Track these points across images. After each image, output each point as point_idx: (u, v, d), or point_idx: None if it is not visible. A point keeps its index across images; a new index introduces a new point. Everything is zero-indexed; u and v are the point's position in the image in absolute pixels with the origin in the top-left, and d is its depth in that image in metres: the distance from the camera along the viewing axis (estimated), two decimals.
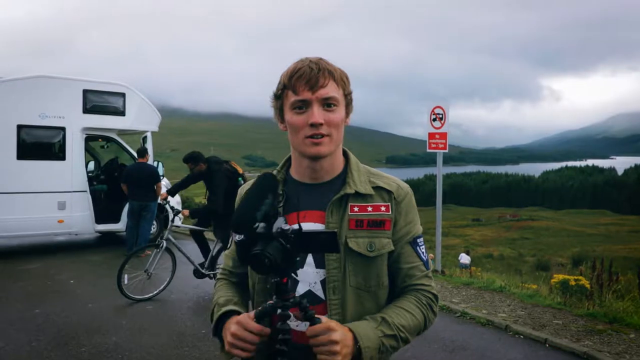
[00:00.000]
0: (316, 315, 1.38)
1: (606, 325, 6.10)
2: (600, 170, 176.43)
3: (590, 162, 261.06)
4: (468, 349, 5.50)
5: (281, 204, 1.39)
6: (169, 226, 7.63)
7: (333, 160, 1.59)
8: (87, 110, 10.74)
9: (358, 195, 1.57)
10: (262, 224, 1.30)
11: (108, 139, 11.66)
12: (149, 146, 11.01)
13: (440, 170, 9.57)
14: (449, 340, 5.72)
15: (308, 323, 1.38)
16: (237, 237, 1.31)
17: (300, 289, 1.53)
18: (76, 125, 10.58)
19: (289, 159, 1.67)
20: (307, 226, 1.53)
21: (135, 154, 11.55)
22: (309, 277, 1.54)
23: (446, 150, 9.23)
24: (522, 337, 5.85)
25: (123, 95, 11.27)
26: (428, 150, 9.44)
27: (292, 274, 1.43)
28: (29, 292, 7.50)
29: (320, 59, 1.53)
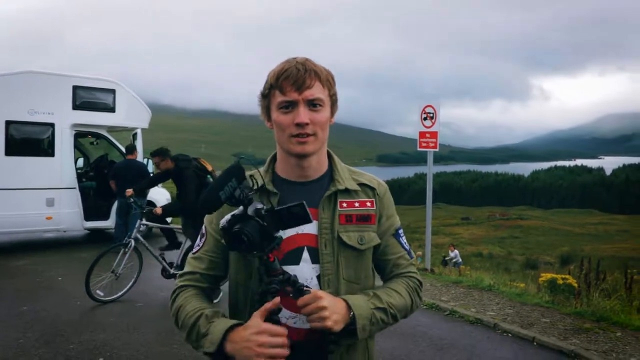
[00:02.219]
0: (305, 287, 1.45)
1: (593, 323, 6.15)
2: (589, 170, 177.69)
3: (579, 161, 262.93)
4: (457, 347, 5.53)
5: (252, 192, 1.42)
6: (137, 225, 7.26)
7: (319, 159, 1.64)
8: (76, 106, 10.67)
9: (346, 192, 1.64)
10: (240, 208, 1.41)
11: (98, 136, 11.60)
12: (139, 143, 10.97)
13: (430, 169, 9.61)
14: (438, 338, 5.74)
15: (304, 319, 1.46)
16: (221, 223, 1.40)
17: None
18: (65, 121, 10.51)
19: (274, 157, 1.70)
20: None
21: (124, 151, 11.51)
22: (305, 273, 1.57)
23: (437, 149, 9.26)
24: (510, 335, 5.89)
25: (113, 91, 11.21)
26: (419, 149, 9.47)
27: (290, 272, 1.49)
28: (17, 289, 7.45)
29: (307, 59, 1.57)
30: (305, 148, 1.53)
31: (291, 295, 1.46)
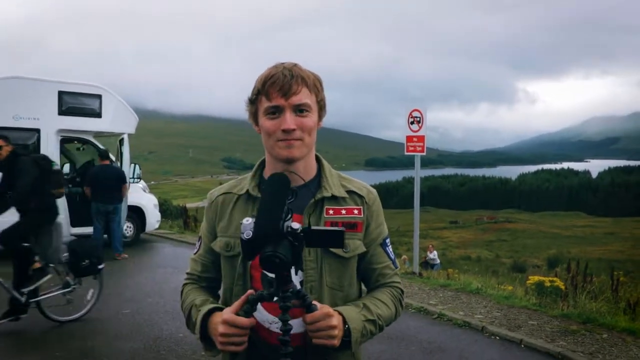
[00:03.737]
0: (313, 303, 1.42)
1: (580, 325, 6.20)
2: (575, 173, 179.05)
3: (565, 164, 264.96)
4: (445, 350, 5.55)
5: (291, 201, 1.39)
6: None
7: (306, 164, 1.63)
8: (62, 112, 10.58)
9: (332, 199, 1.63)
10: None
11: (84, 141, 11.51)
12: (126, 148, 10.91)
13: (418, 173, 9.64)
14: (427, 342, 5.76)
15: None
16: (245, 236, 1.32)
17: None
18: (51, 127, 10.42)
19: (263, 162, 1.70)
20: None
21: (112, 157, 11.44)
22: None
23: (424, 153, 9.30)
24: (498, 338, 5.91)
25: (99, 96, 11.13)
26: (406, 153, 9.50)
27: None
28: (3, 297, 7.35)
29: (295, 65, 1.57)
30: (292, 152, 1.54)
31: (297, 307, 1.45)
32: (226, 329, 1.43)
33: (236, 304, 1.45)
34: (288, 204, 1.34)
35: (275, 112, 1.52)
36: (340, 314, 1.49)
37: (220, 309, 1.54)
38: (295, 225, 1.32)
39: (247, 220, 1.33)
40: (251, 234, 1.31)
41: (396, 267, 1.76)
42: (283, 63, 1.57)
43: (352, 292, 1.67)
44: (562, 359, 5.24)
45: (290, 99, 1.50)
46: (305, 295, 1.40)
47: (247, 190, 1.64)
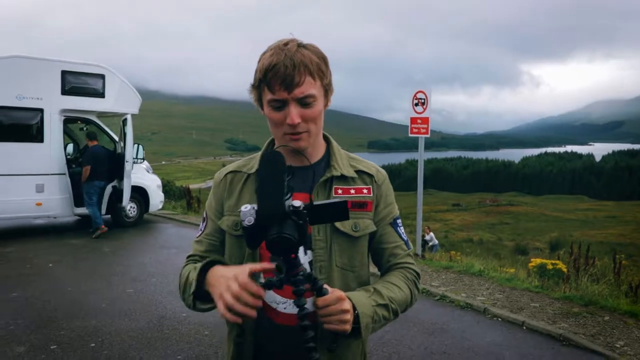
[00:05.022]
0: (324, 286, 1.39)
1: (582, 307, 6.22)
2: (579, 156, 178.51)
3: (569, 148, 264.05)
4: (447, 332, 5.57)
5: (289, 179, 1.34)
6: None
7: (314, 145, 1.61)
8: (65, 91, 10.55)
9: (341, 178, 1.62)
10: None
11: (87, 121, 11.50)
12: (129, 129, 10.88)
13: (421, 155, 9.61)
14: (429, 323, 5.79)
15: (296, 308, 1.36)
16: (247, 222, 1.27)
17: None
18: (54, 106, 10.41)
19: (272, 141, 1.68)
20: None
21: (115, 137, 11.43)
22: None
23: (428, 135, 9.26)
24: (500, 319, 5.94)
25: (102, 76, 11.10)
26: (410, 135, 9.46)
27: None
28: (7, 276, 7.41)
29: (298, 48, 1.48)
30: (299, 144, 1.53)
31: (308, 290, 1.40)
32: (239, 291, 1.31)
33: (251, 267, 1.37)
34: (287, 182, 1.29)
35: (279, 104, 1.48)
36: (349, 299, 1.44)
37: (223, 264, 1.49)
38: (297, 202, 1.28)
39: (246, 207, 1.28)
40: (252, 219, 1.26)
41: (409, 248, 1.72)
42: (286, 45, 1.49)
43: (363, 273, 1.65)
44: (563, 341, 5.27)
45: (293, 92, 1.45)
46: (316, 278, 1.38)
47: (257, 170, 1.61)
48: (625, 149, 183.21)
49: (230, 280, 1.35)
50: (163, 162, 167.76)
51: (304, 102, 1.48)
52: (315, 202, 1.32)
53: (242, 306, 1.32)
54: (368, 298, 1.51)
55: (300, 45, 1.50)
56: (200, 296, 1.48)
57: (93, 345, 4.95)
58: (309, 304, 1.40)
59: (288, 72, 1.44)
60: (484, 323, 5.87)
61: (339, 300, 1.38)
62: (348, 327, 1.40)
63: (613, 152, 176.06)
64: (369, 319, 1.48)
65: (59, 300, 6.30)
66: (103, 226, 10.43)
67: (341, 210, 1.34)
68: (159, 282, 7.20)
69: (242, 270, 1.36)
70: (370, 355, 4.53)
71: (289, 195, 1.28)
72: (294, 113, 1.47)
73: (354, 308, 1.44)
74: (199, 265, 1.51)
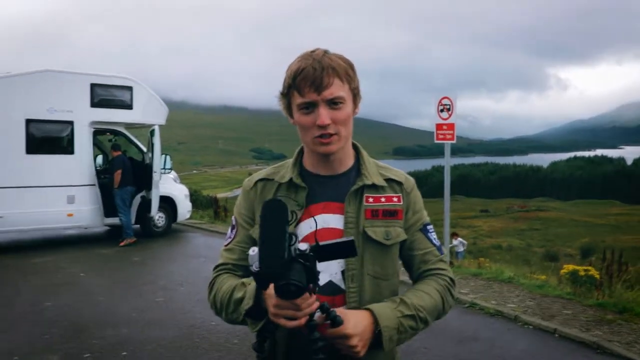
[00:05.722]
0: (337, 314, 1.40)
1: (616, 315, 6.09)
2: (610, 160, 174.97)
3: (599, 152, 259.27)
4: (477, 340, 5.51)
5: (292, 222, 1.34)
6: None
7: (344, 153, 1.62)
8: (94, 104, 10.78)
9: (372, 187, 1.62)
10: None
11: (116, 133, 11.71)
12: (157, 139, 11.04)
13: (448, 162, 9.53)
14: (458, 331, 5.72)
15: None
16: (255, 267, 1.27)
17: (322, 280, 1.52)
18: (84, 119, 10.63)
19: (301, 150, 1.69)
20: (328, 217, 1.57)
21: (143, 148, 11.60)
22: (331, 268, 1.56)
23: (454, 141, 9.19)
24: (531, 327, 5.84)
25: (130, 88, 11.30)
26: (435, 142, 9.40)
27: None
28: (40, 286, 7.56)
29: (325, 53, 1.53)
30: (329, 148, 1.53)
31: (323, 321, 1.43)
32: (279, 301, 1.32)
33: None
34: (289, 228, 1.28)
35: (309, 107, 1.50)
36: (370, 313, 1.47)
37: None
38: (303, 246, 1.29)
39: (253, 251, 1.29)
40: (259, 265, 1.27)
41: (441, 254, 1.70)
42: (313, 52, 1.53)
43: (396, 281, 1.65)
44: (597, 349, 5.16)
45: (323, 93, 1.47)
46: (329, 309, 1.39)
47: (291, 179, 1.62)
48: None
49: (270, 300, 1.36)
50: (194, 171, 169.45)
51: (334, 103, 1.50)
52: (322, 243, 1.33)
53: (282, 319, 1.34)
54: (394, 310, 1.51)
55: (327, 52, 1.54)
56: (253, 314, 1.46)
57: (125, 354, 5.01)
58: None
59: (317, 75, 1.47)
60: (514, 331, 5.78)
61: (346, 338, 1.41)
62: (361, 354, 1.43)
63: None
64: (394, 331, 1.48)
65: (90, 310, 6.40)
66: (133, 238, 10.59)
67: (349, 248, 1.37)
68: (187, 290, 7.26)
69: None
70: None
71: (293, 240, 1.28)
72: (324, 114, 1.48)
73: (377, 324, 1.46)
74: (248, 281, 1.49)
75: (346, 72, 1.53)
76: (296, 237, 1.31)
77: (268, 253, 1.23)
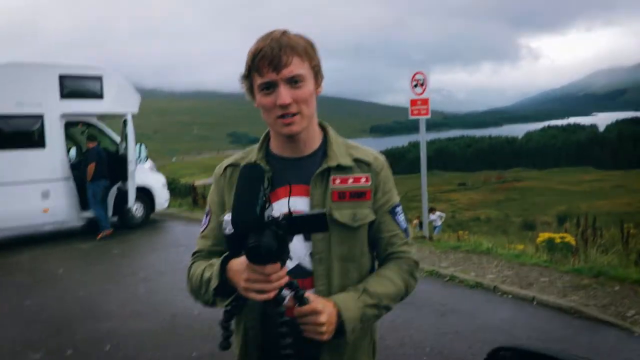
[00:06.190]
0: (305, 295, 1.40)
1: (591, 279, 6.23)
2: (582, 127, 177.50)
3: (572, 120, 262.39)
4: (458, 312, 5.60)
5: (268, 191, 1.34)
6: None
7: (309, 134, 1.61)
8: (64, 95, 10.55)
9: (339, 168, 1.60)
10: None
11: (88, 124, 11.52)
12: (130, 129, 10.89)
13: (423, 137, 9.59)
14: (439, 304, 5.81)
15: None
16: (228, 231, 1.30)
17: (290, 264, 1.52)
18: (54, 111, 10.42)
19: (268, 134, 1.68)
20: (293, 200, 1.53)
21: (117, 138, 11.44)
22: (298, 251, 1.56)
23: (429, 116, 9.24)
24: (510, 296, 5.96)
25: (100, 78, 11.09)
26: (410, 117, 9.44)
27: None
28: (18, 284, 7.47)
29: (283, 33, 1.52)
30: (292, 129, 1.52)
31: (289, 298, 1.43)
32: (250, 274, 1.31)
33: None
34: (264, 193, 1.28)
35: (269, 87, 1.49)
36: (335, 305, 1.46)
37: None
38: (276, 214, 1.31)
39: (228, 216, 1.30)
40: (232, 229, 1.29)
41: (407, 236, 1.70)
42: (271, 33, 1.52)
43: (364, 262, 1.65)
44: (574, 313, 5.28)
45: (282, 72, 1.46)
46: (298, 287, 1.39)
47: (254, 162, 1.60)
48: (629, 117, 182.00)
49: (238, 273, 1.36)
50: (173, 159, 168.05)
51: (294, 82, 1.48)
52: (295, 214, 1.34)
53: (253, 293, 1.33)
54: (356, 300, 1.52)
55: (286, 32, 1.53)
56: (221, 292, 1.47)
57: (108, 347, 4.99)
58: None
59: (275, 54, 1.46)
60: (494, 301, 5.90)
61: (314, 313, 1.41)
62: (325, 337, 1.42)
63: (617, 121, 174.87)
64: (356, 322, 1.50)
65: (71, 305, 6.35)
66: (107, 231, 10.48)
67: (320, 222, 1.37)
68: (169, 280, 7.24)
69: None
70: (383, 340, 4.55)
71: (267, 205, 1.29)
72: (284, 93, 1.47)
73: (340, 315, 1.46)
74: (216, 261, 1.49)
75: (305, 50, 1.52)
76: (270, 203, 1.31)
77: (242, 208, 1.24)
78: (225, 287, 1.44)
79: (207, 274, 1.51)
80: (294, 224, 1.33)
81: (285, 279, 1.34)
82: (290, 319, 1.36)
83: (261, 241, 1.25)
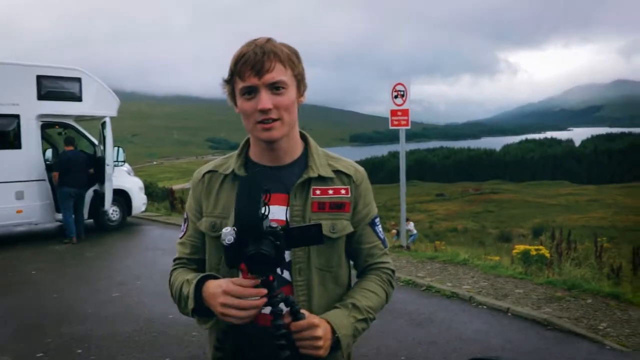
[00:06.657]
0: (301, 311, 1.41)
1: (565, 292, 6.31)
2: (559, 142, 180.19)
3: (549, 134, 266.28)
4: (434, 322, 5.63)
5: (266, 199, 1.35)
6: None
7: (289, 143, 1.60)
8: (41, 96, 10.43)
9: (319, 179, 1.59)
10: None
11: (65, 126, 11.38)
12: (109, 131, 10.78)
13: (403, 147, 9.67)
14: (416, 314, 5.84)
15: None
16: (227, 241, 1.29)
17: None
18: (31, 112, 10.28)
19: (247, 141, 1.67)
20: (273, 209, 1.52)
21: (95, 141, 11.32)
22: None
23: (408, 127, 9.33)
24: (485, 307, 6.01)
25: (79, 80, 10.98)
26: (391, 127, 9.52)
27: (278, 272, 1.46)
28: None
29: (268, 40, 1.51)
30: (271, 134, 1.50)
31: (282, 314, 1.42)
32: (226, 299, 1.35)
33: (238, 280, 1.38)
34: (265, 203, 1.30)
35: (251, 92, 1.48)
36: (328, 322, 1.47)
37: (216, 278, 1.48)
38: (275, 223, 1.32)
39: (227, 229, 1.31)
40: (232, 239, 1.29)
41: (385, 247, 1.73)
42: (256, 40, 1.51)
43: (341, 273, 1.65)
44: (548, 325, 5.34)
45: (264, 77, 1.45)
46: (294, 302, 1.40)
47: (233, 170, 1.61)
48: (604, 133, 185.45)
49: (218, 293, 1.39)
50: (154, 162, 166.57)
51: (276, 87, 1.48)
52: (293, 225, 1.37)
53: (230, 317, 1.37)
54: (347, 317, 1.54)
55: (271, 40, 1.53)
56: (198, 313, 1.49)
57: (80, 351, 4.92)
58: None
59: (258, 59, 1.45)
60: (469, 311, 5.94)
61: (311, 327, 1.41)
62: (322, 352, 1.42)
63: (592, 136, 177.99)
64: (350, 338, 1.52)
65: (43, 308, 6.24)
66: (74, 238, 10.17)
67: (316, 235, 1.38)
68: (145, 284, 7.16)
69: (227, 280, 1.40)
70: (359, 349, 4.56)
71: (267, 214, 1.30)
72: (265, 98, 1.46)
73: (334, 331, 1.47)
74: (192, 280, 1.50)
75: (289, 58, 1.52)
76: (269, 211, 1.32)
77: (245, 214, 1.27)
78: (202, 309, 1.46)
79: (185, 290, 1.53)
80: (291, 235, 1.35)
81: (262, 301, 1.35)
82: (287, 332, 1.37)
83: (261, 248, 1.27)
